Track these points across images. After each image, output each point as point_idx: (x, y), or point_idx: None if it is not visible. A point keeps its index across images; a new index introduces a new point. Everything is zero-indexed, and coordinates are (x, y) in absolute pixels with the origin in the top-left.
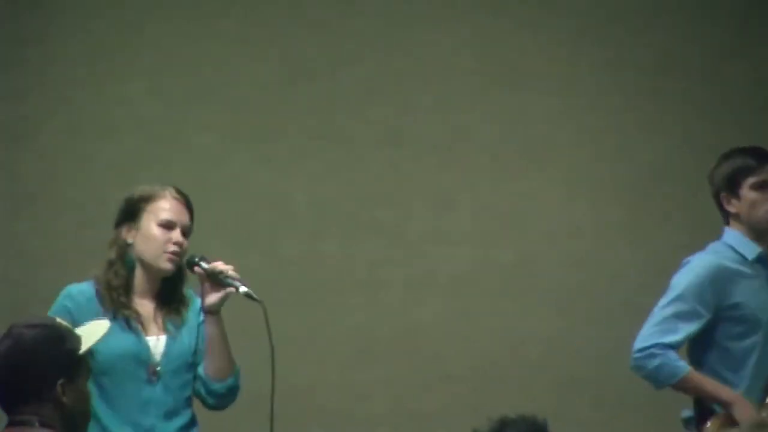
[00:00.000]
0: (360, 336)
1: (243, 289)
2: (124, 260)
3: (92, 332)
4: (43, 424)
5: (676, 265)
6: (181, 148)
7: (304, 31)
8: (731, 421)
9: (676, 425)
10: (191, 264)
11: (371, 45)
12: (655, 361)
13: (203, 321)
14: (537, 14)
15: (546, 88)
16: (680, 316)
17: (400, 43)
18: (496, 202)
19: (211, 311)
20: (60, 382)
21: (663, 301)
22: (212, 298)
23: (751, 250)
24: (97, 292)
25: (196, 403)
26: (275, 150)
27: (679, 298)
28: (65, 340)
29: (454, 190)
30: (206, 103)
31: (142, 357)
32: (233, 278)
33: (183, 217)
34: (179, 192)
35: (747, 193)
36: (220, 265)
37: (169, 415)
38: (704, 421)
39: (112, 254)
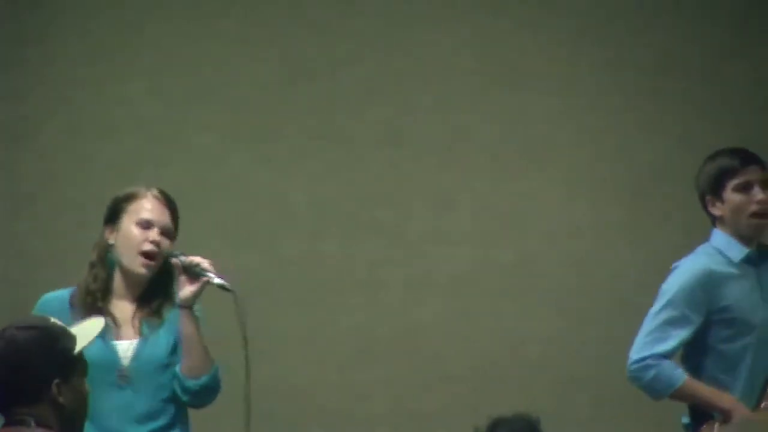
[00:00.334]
0: (360, 336)
1: (216, 280)
2: (105, 262)
3: (87, 331)
4: (39, 424)
5: None
6: (181, 148)
7: (304, 31)
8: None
9: (675, 426)
10: (169, 257)
11: (371, 45)
12: (651, 373)
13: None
14: (536, 14)
15: (545, 88)
16: (671, 323)
17: (400, 43)
18: (495, 202)
19: (185, 305)
20: (55, 381)
21: (654, 308)
22: (187, 290)
23: (737, 252)
24: (71, 297)
25: None
26: (275, 150)
27: (669, 305)
28: (59, 340)
29: (454, 190)
30: (206, 103)
31: (109, 362)
32: (207, 270)
33: (162, 218)
34: (162, 193)
35: (730, 195)
36: (196, 259)
37: (142, 419)
38: (700, 426)
39: (94, 256)
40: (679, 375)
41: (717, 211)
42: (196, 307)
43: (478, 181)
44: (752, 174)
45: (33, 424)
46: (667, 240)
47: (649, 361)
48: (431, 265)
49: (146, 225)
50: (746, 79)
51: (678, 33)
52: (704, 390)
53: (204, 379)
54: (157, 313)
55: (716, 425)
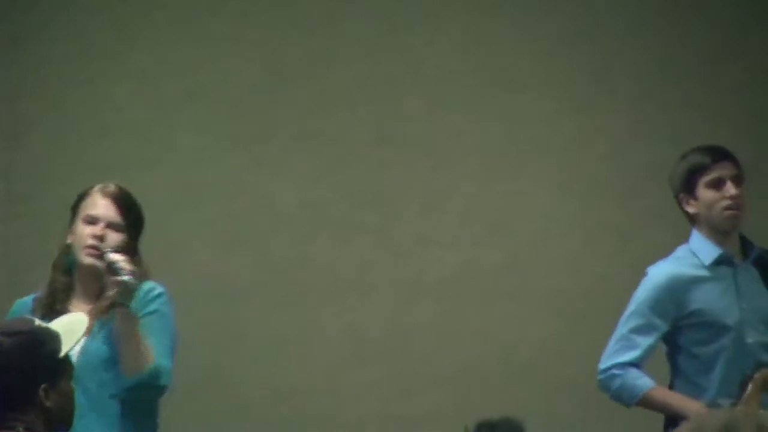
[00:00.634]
0: (348, 338)
1: (125, 277)
2: (64, 263)
3: (72, 330)
4: (27, 429)
5: None
6: (170, 150)
7: (293, 32)
8: None
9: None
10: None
11: (360, 46)
12: (617, 382)
13: (149, 312)
14: (526, 16)
15: (534, 90)
16: (638, 331)
17: (389, 44)
18: (484, 203)
19: (115, 303)
20: (43, 386)
21: (623, 316)
22: (111, 290)
23: (709, 253)
24: (34, 301)
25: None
26: (264, 152)
27: (635, 313)
28: (45, 344)
29: (443, 192)
30: (195, 104)
31: None
32: (121, 268)
33: (108, 212)
34: (110, 187)
35: (703, 192)
36: (115, 257)
37: (85, 415)
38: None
39: (56, 258)
40: (644, 384)
41: (691, 209)
42: (160, 301)
43: (467, 183)
44: (724, 170)
45: (21, 430)
46: (657, 241)
47: (614, 371)
48: (420, 268)
49: (91, 220)
50: (738, 81)
51: (669, 35)
52: (672, 398)
53: (137, 377)
54: (109, 310)
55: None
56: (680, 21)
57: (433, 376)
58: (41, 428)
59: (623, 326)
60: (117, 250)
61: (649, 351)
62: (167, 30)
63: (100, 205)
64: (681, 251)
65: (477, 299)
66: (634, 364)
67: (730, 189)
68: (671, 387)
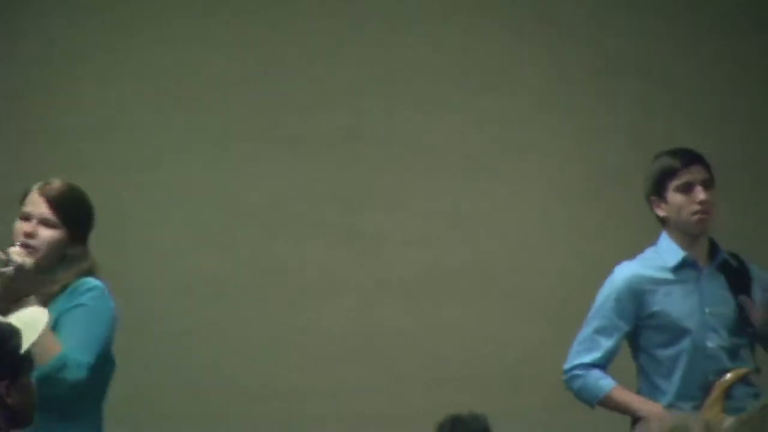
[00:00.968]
0: (313, 337)
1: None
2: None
3: (32, 325)
4: None
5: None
6: (133, 150)
7: (257, 31)
8: None
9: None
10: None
11: (324, 45)
12: (578, 383)
13: (74, 306)
14: (501, 16)
15: (505, 89)
16: (600, 332)
17: (352, 43)
18: (450, 203)
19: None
20: (4, 383)
21: (587, 316)
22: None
23: (673, 256)
24: None
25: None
26: (228, 151)
27: (597, 313)
28: (7, 340)
29: (408, 191)
30: (159, 104)
31: None
32: (5, 261)
33: (37, 209)
34: (49, 184)
35: (672, 196)
36: (11, 249)
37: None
38: None
39: None
40: (604, 385)
41: (661, 212)
42: (89, 295)
43: (429, 185)
44: (693, 174)
45: None
46: (628, 241)
47: (576, 371)
48: (385, 267)
49: (24, 217)
50: (714, 84)
51: (629, 35)
52: (632, 399)
53: (39, 369)
54: (44, 305)
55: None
56: (640, 20)
57: (398, 374)
58: (3, 425)
59: (587, 326)
60: (48, 246)
61: (612, 351)
62: (128, 30)
63: (33, 202)
64: (648, 252)
65: (442, 298)
66: (596, 364)
67: (699, 194)
68: (638, 387)
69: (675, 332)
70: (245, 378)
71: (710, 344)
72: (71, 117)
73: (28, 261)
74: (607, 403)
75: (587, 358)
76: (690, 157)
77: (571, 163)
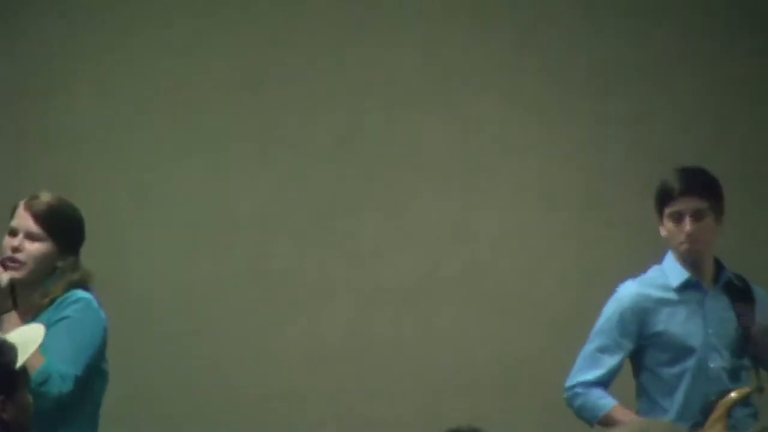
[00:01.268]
0: (308, 345)
1: None
2: None
3: (28, 341)
4: None
5: (625, 275)
6: (129, 157)
7: (252, 40)
8: None
9: None
10: None
11: (320, 54)
12: (578, 401)
13: (59, 319)
14: (485, 23)
15: (494, 96)
16: (602, 350)
17: (350, 52)
18: (445, 211)
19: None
20: (0, 398)
21: (591, 333)
22: None
23: (677, 276)
24: None
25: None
26: (225, 159)
27: (601, 331)
28: (3, 355)
29: (403, 200)
30: (155, 112)
31: None
32: None
33: (24, 222)
34: (31, 198)
35: (666, 222)
36: None
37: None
38: None
39: None
40: (604, 405)
41: (662, 231)
42: (74, 307)
43: (427, 190)
44: (685, 204)
45: None
46: (618, 249)
47: (577, 390)
48: (380, 275)
49: (11, 232)
50: (701, 91)
51: (627, 39)
52: (632, 419)
53: None
54: (32, 319)
55: None
56: (637, 25)
57: (392, 382)
58: None
59: (590, 344)
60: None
61: (614, 370)
62: (124, 38)
63: (20, 217)
64: (653, 271)
65: (437, 306)
66: (598, 383)
67: (686, 225)
68: (637, 406)
69: (679, 351)
70: (243, 381)
71: (712, 365)
72: (68, 122)
73: (4, 278)
74: (607, 422)
75: (589, 376)
76: (687, 185)
77: (569, 168)
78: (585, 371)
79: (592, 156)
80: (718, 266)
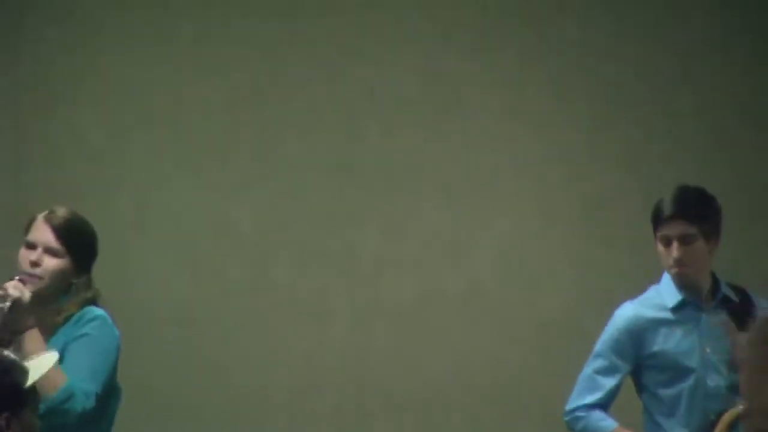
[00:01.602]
0: (307, 363)
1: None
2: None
3: (40, 365)
4: None
5: (624, 293)
6: (128, 175)
7: (252, 57)
8: None
9: None
10: None
11: (319, 72)
12: (580, 425)
13: (78, 336)
14: (484, 43)
15: (494, 116)
16: (601, 372)
17: (348, 70)
18: (444, 229)
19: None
20: (4, 415)
21: (590, 355)
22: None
23: (672, 296)
24: None
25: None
26: (223, 176)
27: (599, 354)
28: (9, 372)
29: (402, 218)
30: (154, 128)
31: None
32: (2, 296)
33: (43, 236)
34: (54, 213)
35: (657, 244)
36: (8, 284)
37: None
38: None
39: None
40: (606, 426)
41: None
42: (92, 325)
43: (426, 209)
44: (674, 229)
45: None
46: (618, 268)
47: (578, 413)
48: (379, 293)
49: (29, 246)
50: (695, 108)
51: (625, 62)
52: None
53: (45, 403)
54: (52, 334)
55: None
56: (636, 49)
57: (391, 401)
58: None
59: (588, 366)
60: (53, 276)
61: (613, 391)
62: (124, 54)
63: (36, 231)
64: (650, 291)
65: (436, 325)
66: (598, 405)
67: (674, 251)
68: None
69: (676, 372)
70: (242, 394)
71: (711, 383)
72: (69, 135)
73: (26, 294)
74: None
75: (589, 399)
76: (676, 209)
77: (569, 187)
78: (584, 394)
79: (591, 175)
80: (715, 282)
